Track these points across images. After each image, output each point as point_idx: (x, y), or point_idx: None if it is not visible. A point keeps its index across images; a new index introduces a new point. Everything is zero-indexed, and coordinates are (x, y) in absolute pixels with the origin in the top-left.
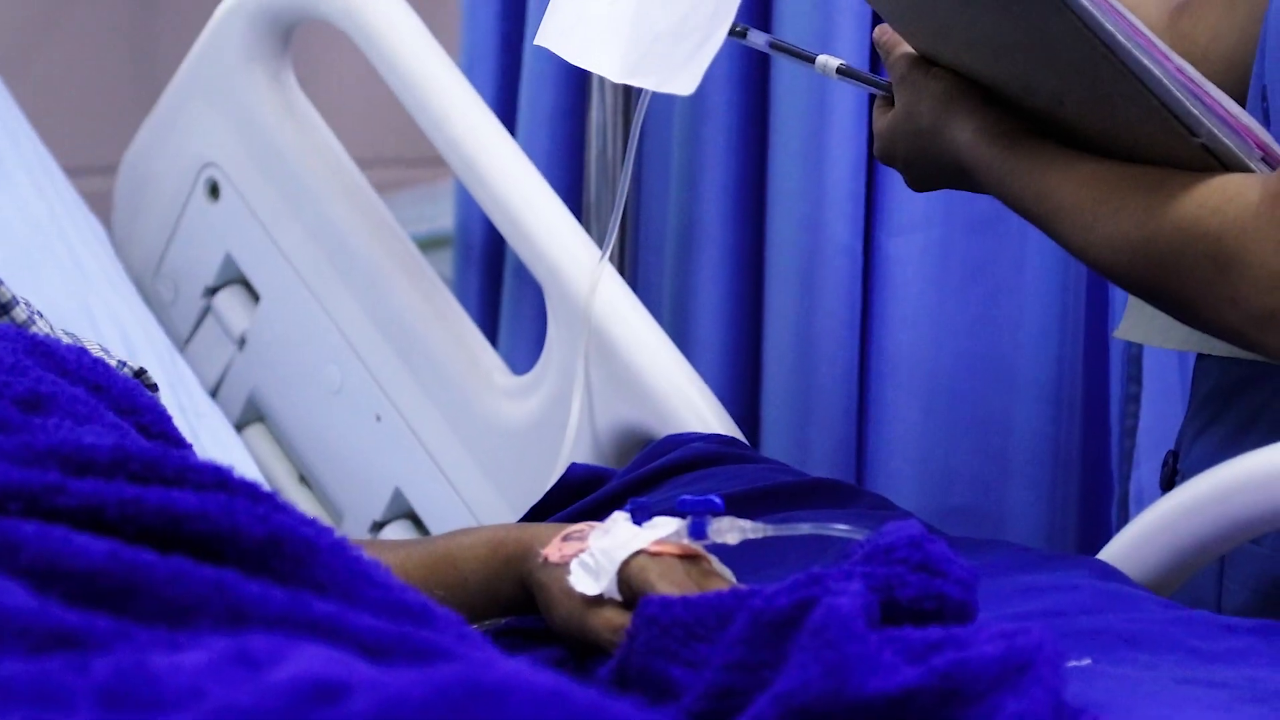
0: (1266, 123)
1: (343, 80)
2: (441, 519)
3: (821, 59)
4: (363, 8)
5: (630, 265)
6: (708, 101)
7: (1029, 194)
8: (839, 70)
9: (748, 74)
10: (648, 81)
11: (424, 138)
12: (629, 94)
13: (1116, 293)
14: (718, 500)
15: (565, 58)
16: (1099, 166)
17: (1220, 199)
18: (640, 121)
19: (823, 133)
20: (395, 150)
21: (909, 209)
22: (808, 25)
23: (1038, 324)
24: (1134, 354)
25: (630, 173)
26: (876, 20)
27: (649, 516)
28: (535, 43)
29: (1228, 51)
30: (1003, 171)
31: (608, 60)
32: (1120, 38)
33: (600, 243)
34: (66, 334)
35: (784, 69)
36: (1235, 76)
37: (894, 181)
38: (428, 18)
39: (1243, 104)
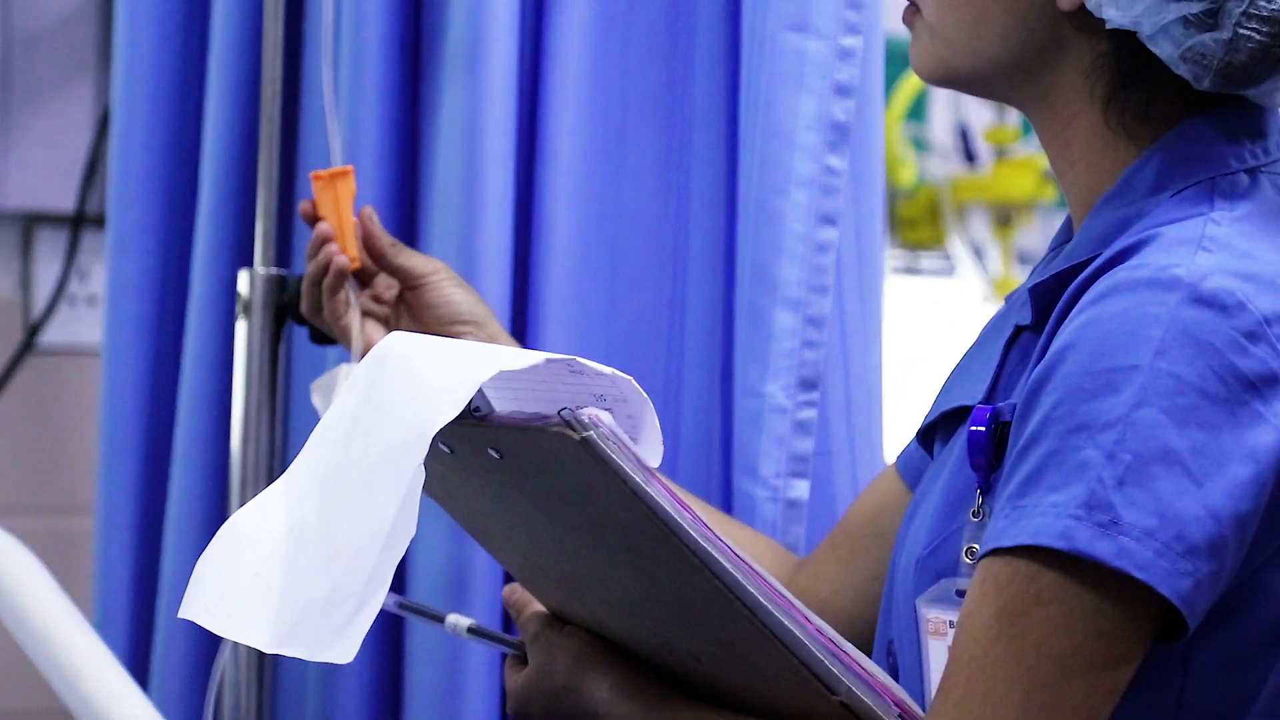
0: (895, 677)
1: None
2: None
3: (451, 618)
4: None
5: None
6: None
7: None
8: (470, 630)
9: (379, 637)
10: (300, 651)
11: (53, 693)
12: (262, 655)
13: None
14: None
15: (213, 630)
16: None
17: None
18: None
19: (456, 694)
20: (29, 703)
21: None
22: (436, 588)
23: None
24: None
25: None
26: (507, 578)
27: None
28: (180, 615)
29: (846, 606)
30: None
31: (256, 631)
32: (760, 598)
33: None
34: None
35: (414, 626)
36: (854, 631)
37: None
38: (60, 573)
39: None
